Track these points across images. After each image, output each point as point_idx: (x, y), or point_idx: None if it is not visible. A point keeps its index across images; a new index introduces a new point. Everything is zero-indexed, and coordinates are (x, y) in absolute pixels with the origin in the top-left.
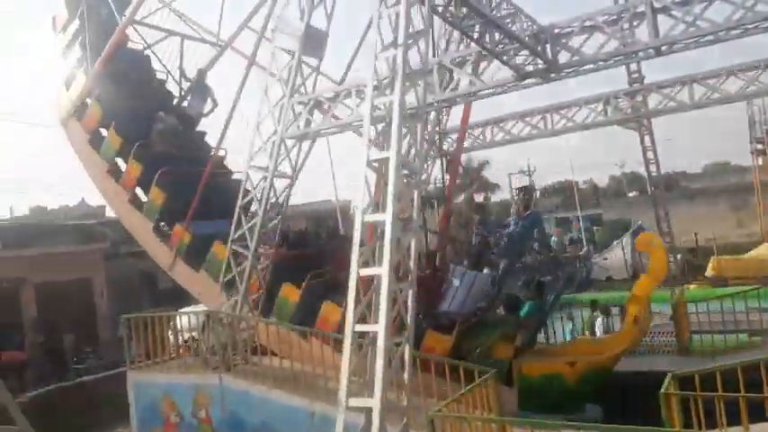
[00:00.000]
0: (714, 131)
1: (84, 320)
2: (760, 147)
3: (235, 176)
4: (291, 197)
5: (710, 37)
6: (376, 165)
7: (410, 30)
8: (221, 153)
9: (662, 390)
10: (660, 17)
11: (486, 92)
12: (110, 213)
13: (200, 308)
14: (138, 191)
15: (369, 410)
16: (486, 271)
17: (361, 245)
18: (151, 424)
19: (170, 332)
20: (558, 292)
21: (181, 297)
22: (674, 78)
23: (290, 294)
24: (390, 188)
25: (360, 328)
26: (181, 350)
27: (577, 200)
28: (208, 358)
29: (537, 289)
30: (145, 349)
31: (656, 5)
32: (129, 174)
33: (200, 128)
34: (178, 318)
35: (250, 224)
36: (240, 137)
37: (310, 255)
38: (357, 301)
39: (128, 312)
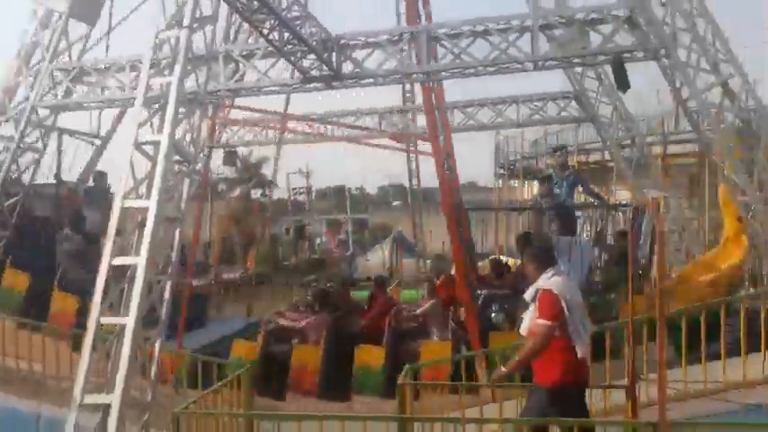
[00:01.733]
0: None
1: None
2: (501, 171)
3: None
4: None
5: (472, 70)
6: (147, 148)
7: (198, 14)
8: None
9: (399, 380)
10: (433, 44)
11: (272, 89)
12: None
13: None
14: None
15: (107, 407)
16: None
17: (118, 234)
18: None
19: None
20: None
21: None
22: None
23: (17, 282)
24: (158, 173)
25: (107, 320)
26: None
27: (349, 204)
28: None
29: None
30: None
31: (432, 34)
32: None
33: None
34: None
35: None
36: None
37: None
38: (105, 292)
39: None
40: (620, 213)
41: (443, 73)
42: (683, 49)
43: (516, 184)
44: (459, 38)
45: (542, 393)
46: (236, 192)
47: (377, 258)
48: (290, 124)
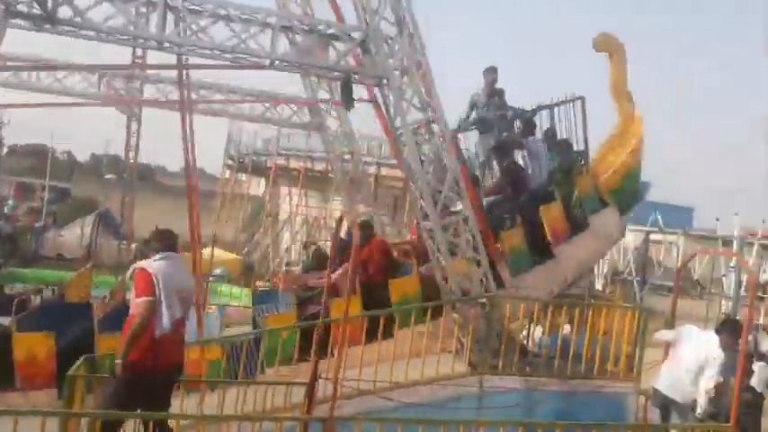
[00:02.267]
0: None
1: None
2: (230, 162)
3: None
4: None
5: (208, 51)
6: None
7: None
8: None
9: (70, 372)
10: (172, 15)
11: None
12: None
13: None
14: None
15: None
16: None
17: None
18: None
19: None
20: None
21: None
22: (172, 78)
23: None
24: None
25: None
26: None
27: (49, 168)
28: None
29: None
30: None
31: (170, 3)
32: None
33: None
34: None
35: None
36: None
37: None
38: None
39: None
40: None
41: (177, 48)
42: (400, 84)
43: (244, 178)
44: (200, 15)
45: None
46: None
47: (73, 235)
48: None
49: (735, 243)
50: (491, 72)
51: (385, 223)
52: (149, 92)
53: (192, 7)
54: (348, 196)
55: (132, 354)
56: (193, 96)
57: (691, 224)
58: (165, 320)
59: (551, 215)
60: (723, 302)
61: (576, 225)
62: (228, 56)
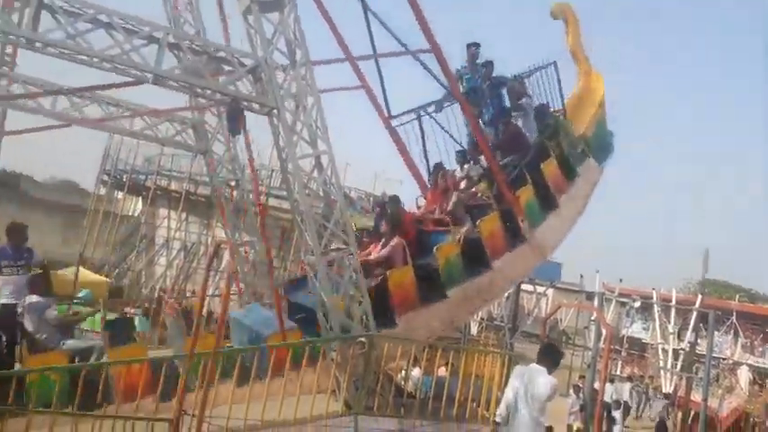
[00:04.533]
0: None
1: None
2: (105, 178)
3: None
4: None
5: (85, 57)
6: None
7: None
8: None
9: None
10: (47, 14)
11: None
12: None
13: None
14: None
15: None
16: None
17: None
18: None
19: None
20: None
21: None
22: (43, 80)
23: None
24: None
25: None
26: None
27: None
28: None
29: None
30: None
31: (45, 1)
32: None
33: None
34: None
35: None
36: None
37: None
38: None
39: None
40: None
41: (51, 49)
42: (291, 116)
43: (120, 196)
44: (77, 18)
45: None
46: None
47: None
48: None
49: (596, 298)
50: (473, 46)
51: (272, 255)
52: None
53: (71, 9)
54: (231, 224)
55: None
56: (68, 104)
57: (559, 277)
58: None
59: (551, 171)
60: (586, 353)
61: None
62: (108, 65)
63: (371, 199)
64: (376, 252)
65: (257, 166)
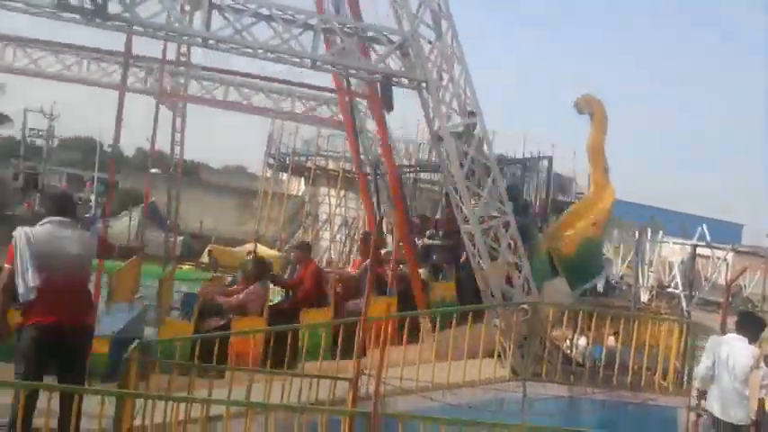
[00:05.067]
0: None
1: None
2: (271, 161)
3: None
4: None
5: (250, 50)
6: None
7: None
8: None
9: (125, 356)
10: (216, 14)
11: (17, 5)
12: None
13: None
14: None
15: None
16: None
17: None
18: None
19: None
20: None
21: None
22: (216, 75)
23: None
24: None
25: None
26: None
27: (97, 160)
28: None
29: None
30: None
31: (215, 1)
32: None
33: None
34: None
35: None
36: None
37: None
38: None
39: None
40: None
41: (221, 45)
42: (440, 88)
43: (285, 177)
44: (242, 14)
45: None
46: None
47: (121, 226)
48: (37, 53)
49: None
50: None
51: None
52: (194, 89)
53: (236, 6)
54: (387, 200)
55: (11, 318)
56: (236, 94)
57: (740, 240)
58: (22, 288)
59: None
60: None
61: None
62: (271, 55)
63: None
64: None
65: (405, 141)
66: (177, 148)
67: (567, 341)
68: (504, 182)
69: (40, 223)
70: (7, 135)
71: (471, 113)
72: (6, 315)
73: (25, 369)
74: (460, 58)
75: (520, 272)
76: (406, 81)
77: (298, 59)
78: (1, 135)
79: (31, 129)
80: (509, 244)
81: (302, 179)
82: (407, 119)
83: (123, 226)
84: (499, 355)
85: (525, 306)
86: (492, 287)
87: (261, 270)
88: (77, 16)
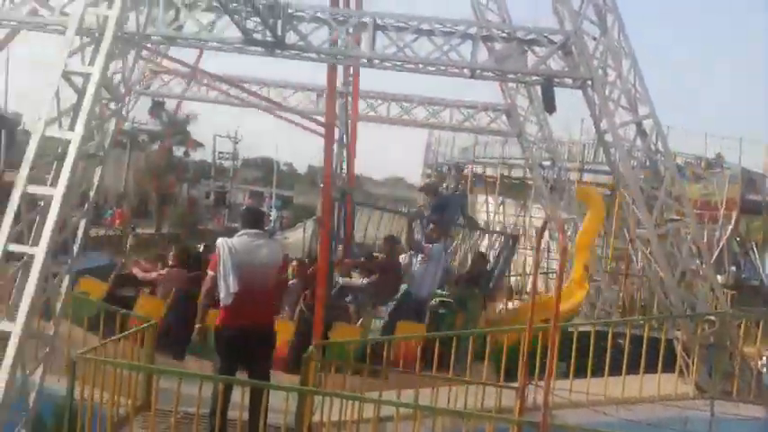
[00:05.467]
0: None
1: None
2: (428, 171)
3: None
4: None
5: (412, 65)
6: (75, 79)
7: None
8: None
9: (304, 355)
10: (379, 33)
11: (211, 44)
12: None
13: None
14: None
15: (5, 335)
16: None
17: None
18: None
19: None
20: None
21: None
22: (378, 92)
23: None
24: (85, 106)
25: (15, 248)
26: None
27: (275, 178)
28: None
29: None
30: None
31: (378, 22)
32: None
33: None
34: None
35: None
36: None
37: None
38: (17, 221)
39: None
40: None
41: (385, 63)
42: (607, 84)
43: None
44: (404, 32)
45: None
46: (158, 145)
47: (296, 238)
48: (224, 86)
49: None
50: None
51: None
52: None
53: (399, 24)
54: (549, 203)
55: (209, 320)
56: (397, 109)
57: None
58: (223, 293)
59: None
60: None
61: None
62: (432, 69)
63: (703, 163)
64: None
65: (567, 142)
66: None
67: (764, 358)
68: (682, 181)
69: (237, 235)
70: (200, 159)
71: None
72: (207, 316)
73: (221, 365)
74: (628, 53)
75: (704, 280)
76: (569, 81)
77: (457, 70)
78: (195, 160)
79: (220, 152)
80: (690, 249)
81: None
82: (569, 119)
83: (298, 237)
84: (681, 370)
85: (712, 317)
86: (671, 297)
87: (183, 258)
88: (260, 49)
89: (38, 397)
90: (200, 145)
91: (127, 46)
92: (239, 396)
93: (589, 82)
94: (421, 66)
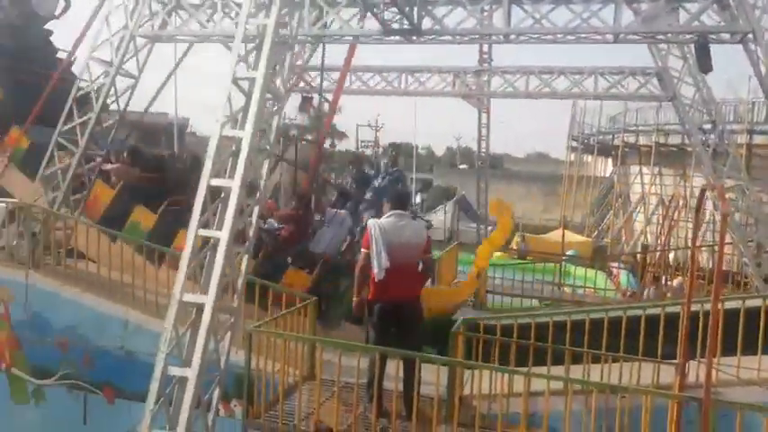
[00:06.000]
0: (548, 125)
1: None
2: (574, 144)
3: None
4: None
5: (550, 36)
6: (242, 83)
7: None
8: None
9: (452, 330)
10: (514, 7)
11: (353, 38)
12: None
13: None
14: None
15: (201, 306)
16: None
17: (215, 159)
18: None
19: None
20: None
21: None
22: (516, 67)
23: (144, 219)
24: (253, 106)
25: (204, 232)
26: None
27: (414, 162)
28: (14, 253)
29: None
30: None
31: None
32: None
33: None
34: None
35: (83, 119)
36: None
37: (168, 179)
38: (204, 210)
39: None
40: None
41: (521, 37)
42: None
43: (590, 160)
44: (540, 3)
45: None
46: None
47: (437, 219)
48: (365, 76)
49: None
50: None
51: (763, 200)
52: (496, 84)
53: None
54: (712, 169)
55: (363, 293)
56: (537, 81)
57: None
58: (376, 269)
59: None
60: None
61: None
62: (571, 38)
63: None
64: None
65: (733, 102)
66: (483, 143)
67: None
68: None
69: (386, 215)
70: (344, 149)
71: None
72: (362, 291)
73: (375, 337)
74: None
75: None
76: (726, 36)
77: (599, 36)
78: (339, 149)
79: (362, 141)
80: None
81: (609, 159)
82: (732, 77)
83: (439, 219)
84: None
85: None
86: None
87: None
88: (398, 37)
89: (227, 359)
90: (345, 136)
91: (283, 49)
92: (393, 368)
93: (750, 35)
94: (560, 36)
